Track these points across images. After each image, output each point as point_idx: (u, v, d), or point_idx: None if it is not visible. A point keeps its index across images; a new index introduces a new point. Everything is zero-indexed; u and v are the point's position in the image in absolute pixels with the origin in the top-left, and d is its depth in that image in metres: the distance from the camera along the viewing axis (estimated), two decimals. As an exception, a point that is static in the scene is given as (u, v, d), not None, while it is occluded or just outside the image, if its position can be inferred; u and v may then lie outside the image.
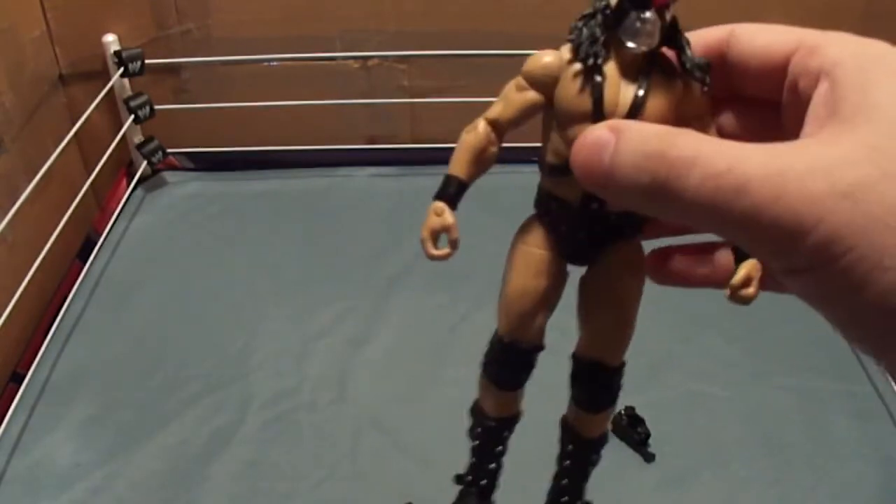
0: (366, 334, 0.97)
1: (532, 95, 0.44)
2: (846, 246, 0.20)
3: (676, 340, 0.95)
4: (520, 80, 0.44)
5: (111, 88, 1.14)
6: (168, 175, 1.27)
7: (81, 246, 1.13)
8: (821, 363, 0.93)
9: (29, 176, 0.96)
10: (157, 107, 1.20)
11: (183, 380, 0.91)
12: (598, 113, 0.40)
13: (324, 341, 0.96)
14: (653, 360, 0.91)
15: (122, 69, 1.14)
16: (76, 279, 1.04)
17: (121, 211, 1.18)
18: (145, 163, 1.22)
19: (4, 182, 0.96)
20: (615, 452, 0.82)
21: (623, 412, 0.83)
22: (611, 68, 0.41)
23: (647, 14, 0.41)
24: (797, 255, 0.21)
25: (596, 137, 0.26)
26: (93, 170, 1.10)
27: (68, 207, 1.02)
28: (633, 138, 0.25)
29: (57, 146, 1.01)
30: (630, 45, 0.41)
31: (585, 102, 0.41)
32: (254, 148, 1.26)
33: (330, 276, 1.06)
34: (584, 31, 0.42)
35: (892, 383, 0.90)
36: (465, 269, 1.09)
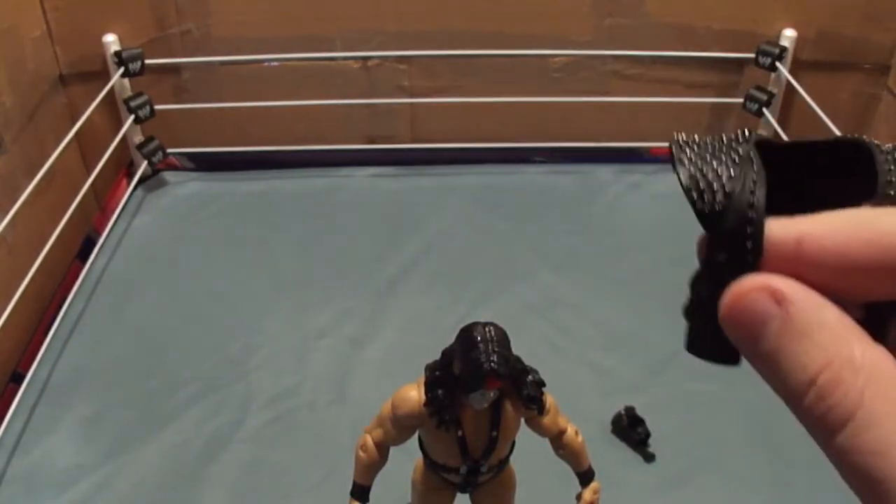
0: (366, 334, 0.97)
1: (406, 428, 0.58)
2: None
3: (676, 341, 0.94)
4: (392, 414, 0.58)
5: (111, 88, 1.14)
6: (168, 175, 1.27)
7: (81, 246, 1.13)
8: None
9: (29, 176, 0.96)
10: (157, 107, 1.20)
11: (183, 380, 0.90)
12: (465, 453, 0.56)
13: (324, 341, 0.96)
14: (653, 361, 0.91)
15: (122, 69, 1.14)
16: (76, 279, 1.04)
17: (121, 211, 1.18)
18: (145, 163, 1.22)
19: (4, 182, 0.96)
20: (615, 452, 0.82)
21: (623, 412, 0.83)
22: (466, 417, 0.55)
23: (489, 393, 0.53)
24: None
25: (757, 305, 0.18)
26: (93, 170, 1.10)
27: (68, 207, 1.02)
28: (798, 343, 0.17)
29: (57, 146, 1.01)
30: (477, 407, 0.54)
31: (453, 447, 0.56)
32: (254, 148, 1.26)
33: (330, 276, 1.06)
34: (437, 396, 0.54)
35: None
36: (465, 269, 1.10)
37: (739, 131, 0.20)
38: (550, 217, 1.17)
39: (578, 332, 0.96)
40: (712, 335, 0.19)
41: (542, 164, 1.28)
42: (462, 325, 0.53)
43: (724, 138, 0.20)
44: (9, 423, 0.85)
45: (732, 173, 0.19)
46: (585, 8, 1.19)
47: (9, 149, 0.98)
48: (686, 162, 0.19)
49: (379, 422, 0.58)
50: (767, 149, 0.19)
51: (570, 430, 0.60)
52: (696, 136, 0.20)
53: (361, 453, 0.59)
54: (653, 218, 1.17)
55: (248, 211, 1.20)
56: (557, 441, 0.60)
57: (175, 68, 1.23)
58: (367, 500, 0.61)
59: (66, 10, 1.11)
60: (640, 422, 0.82)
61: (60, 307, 0.99)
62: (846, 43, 1.19)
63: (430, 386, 0.54)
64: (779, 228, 0.18)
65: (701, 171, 0.19)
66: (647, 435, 0.82)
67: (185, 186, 1.25)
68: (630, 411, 0.83)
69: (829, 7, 1.17)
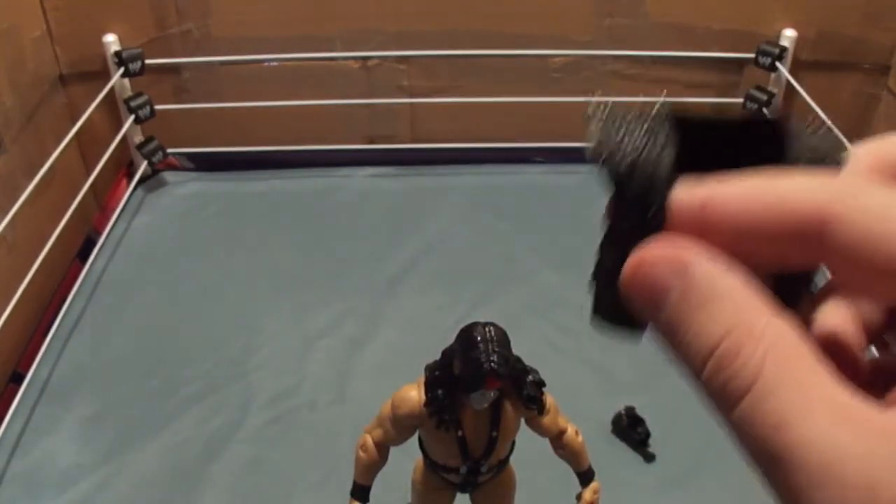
0: (366, 334, 0.97)
1: (406, 428, 0.57)
2: None
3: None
4: (392, 414, 0.57)
5: (111, 88, 1.14)
6: (168, 175, 1.27)
7: (81, 246, 1.13)
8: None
9: (29, 176, 0.96)
10: (157, 107, 1.20)
11: (183, 380, 0.90)
12: (465, 453, 0.56)
13: (324, 341, 0.96)
14: (653, 361, 0.91)
15: (122, 69, 1.14)
16: (76, 279, 1.04)
17: (121, 211, 1.18)
18: (145, 163, 1.22)
19: (4, 182, 0.96)
20: (615, 452, 0.82)
21: (623, 412, 0.83)
22: (466, 417, 0.55)
23: (489, 393, 0.53)
24: None
25: (658, 277, 0.17)
26: (93, 170, 1.10)
27: (68, 207, 1.02)
28: (698, 312, 0.17)
29: (57, 146, 1.01)
30: (477, 407, 0.54)
31: (453, 447, 0.56)
32: (254, 148, 1.26)
33: (330, 276, 1.06)
34: (437, 396, 0.54)
35: None
36: (465, 269, 1.10)
37: (660, 104, 0.19)
38: (550, 217, 1.17)
39: (578, 332, 0.96)
40: (616, 304, 0.19)
41: (542, 164, 1.28)
42: (462, 325, 0.53)
43: (644, 109, 0.19)
44: (9, 423, 0.85)
45: (642, 140, 0.18)
46: (585, 8, 1.19)
47: (9, 149, 0.98)
48: (595, 126, 0.19)
49: (379, 422, 0.58)
50: (684, 121, 0.19)
51: (570, 430, 0.60)
52: (610, 103, 0.20)
53: (361, 453, 0.59)
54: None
55: (248, 211, 1.20)
56: (557, 441, 0.60)
57: (175, 68, 1.23)
58: (368, 500, 0.61)
59: (66, 10, 1.11)
60: (640, 422, 0.82)
61: (60, 307, 0.99)
62: (846, 43, 1.19)
63: (430, 386, 0.54)
64: (684, 192, 0.18)
65: (609, 135, 0.19)
66: (647, 435, 0.82)
67: (185, 186, 1.25)
68: (630, 411, 0.83)
69: (829, 7, 1.17)
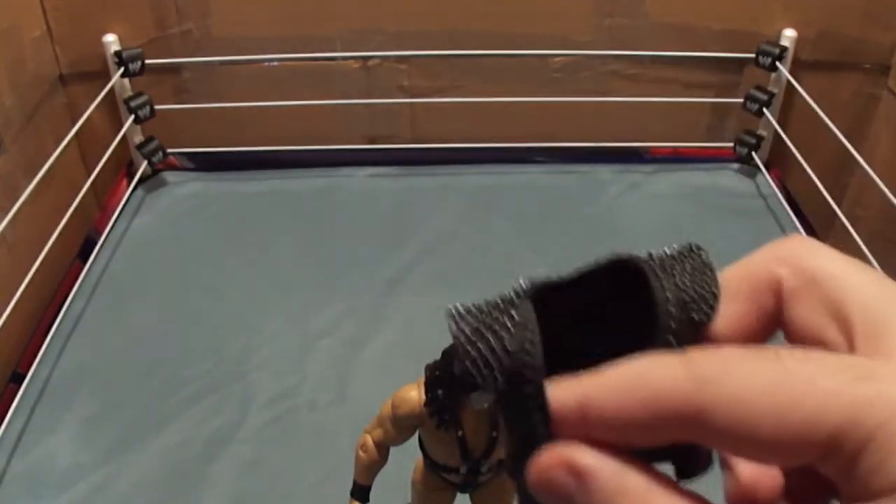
0: (366, 334, 0.97)
1: (406, 428, 0.57)
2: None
3: None
4: (392, 414, 0.57)
5: (111, 88, 1.14)
6: (168, 175, 1.27)
7: (81, 246, 1.13)
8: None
9: (29, 176, 0.96)
10: (157, 107, 1.20)
11: (183, 380, 0.90)
12: (465, 453, 0.56)
13: (324, 341, 0.96)
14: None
15: (122, 69, 1.14)
16: (76, 279, 1.04)
17: (121, 211, 1.18)
18: (145, 163, 1.22)
19: (4, 182, 0.96)
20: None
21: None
22: (466, 417, 0.55)
23: (489, 393, 0.49)
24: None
25: (555, 483, 0.19)
26: (93, 170, 1.10)
27: (68, 207, 1.02)
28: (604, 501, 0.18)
29: (57, 146, 1.01)
30: (477, 407, 0.54)
31: (453, 447, 0.56)
32: (254, 148, 1.26)
33: (330, 276, 1.06)
34: (437, 396, 0.54)
35: None
36: (465, 269, 1.10)
37: (517, 284, 0.20)
38: (550, 217, 1.17)
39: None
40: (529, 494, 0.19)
41: (542, 164, 1.28)
42: (462, 325, 0.53)
43: (501, 299, 0.20)
44: (9, 423, 0.85)
45: (508, 343, 0.19)
46: (585, 8, 1.19)
47: (9, 149, 0.98)
48: (462, 338, 0.19)
49: (379, 422, 0.58)
50: (544, 290, 0.19)
51: None
52: (472, 306, 0.20)
53: (361, 453, 0.59)
54: (653, 218, 1.17)
55: (248, 211, 1.20)
56: None
57: (175, 68, 1.23)
58: (368, 500, 0.61)
59: (66, 10, 1.11)
60: (640, 422, 0.82)
61: (60, 307, 0.99)
62: (846, 43, 1.19)
63: (430, 386, 0.54)
64: (561, 394, 0.18)
65: (477, 346, 0.19)
66: (647, 435, 0.82)
67: (185, 186, 1.25)
68: (630, 411, 0.83)
69: (829, 7, 1.17)
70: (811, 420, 0.16)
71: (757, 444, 0.17)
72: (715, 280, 0.20)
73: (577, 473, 0.18)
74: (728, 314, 0.21)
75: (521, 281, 0.19)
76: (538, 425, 0.18)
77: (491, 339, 0.19)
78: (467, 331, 0.19)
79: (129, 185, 1.21)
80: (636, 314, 0.20)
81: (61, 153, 1.01)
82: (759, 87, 1.21)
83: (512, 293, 0.19)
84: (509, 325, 0.19)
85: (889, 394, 0.16)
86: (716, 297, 0.20)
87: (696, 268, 0.20)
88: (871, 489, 0.16)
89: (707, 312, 0.20)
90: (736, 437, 0.17)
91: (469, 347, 0.19)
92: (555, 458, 0.18)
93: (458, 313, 0.19)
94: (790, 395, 0.17)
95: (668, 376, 0.18)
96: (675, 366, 0.18)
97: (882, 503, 0.16)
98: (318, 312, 1.00)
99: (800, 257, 0.20)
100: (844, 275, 0.19)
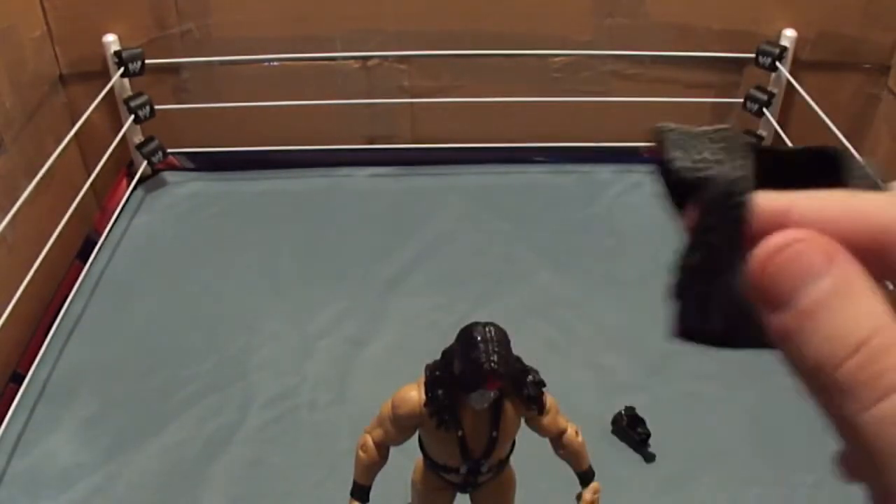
0: (366, 334, 0.97)
1: (406, 428, 0.57)
2: None
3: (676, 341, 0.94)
4: (392, 414, 0.58)
5: (111, 88, 1.14)
6: (168, 175, 1.27)
7: (81, 246, 1.13)
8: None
9: (29, 176, 0.96)
10: (157, 107, 1.19)
11: (183, 380, 0.90)
12: (465, 453, 0.56)
13: (324, 341, 0.96)
14: (653, 361, 0.91)
15: (122, 69, 1.14)
16: (76, 279, 1.04)
17: (121, 211, 1.18)
18: (145, 163, 1.22)
19: (4, 182, 0.96)
20: (615, 452, 0.82)
21: (623, 412, 0.83)
22: (466, 417, 0.55)
23: (489, 393, 0.53)
24: None
25: (808, 259, 0.17)
26: (93, 170, 1.10)
27: (68, 207, 1.02)
28: (850, 305, 0.17)
29: (57, 146, 1.01)
30: (477, 407, 0.54)
31: (453, 447, 0.56)
32: (254, 148, 1.26)
33: (330, 276, 1.06)
34: (437, 396, 0.54)
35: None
36: (465, 269, 1.09)
37: (718, 126, 0.20)
38: (550, 217, 1.17)
39: (578, 332, 0.96)
40: (706, 310, 0.19)
41: (542, 164, 1.28)
42: (462, 325, 0.53)
43: (711, 128, 0.20)
44: (9, 423, 0.85)
45: (720, 147, 0.19)
46: (585, 8, 1.19)
47: (9, 149, 0.98)
48: (673, 138, 0.20)
49: (379, 422, 0.58)
50: (750, 146, 0.20)
51: (570, 430, 0.60)
52: (679, 124, 0.21)
53: (361, 453, 0.59)
54: (653, 218, 1.17)
55: (248, 211, 1.20)
56: (557, 441, 0.60)
57: (175, 68, 1.23)
58: (367, 500, 0.61)
59: (66, 10, 1.11)
60: (640, 422, 0.82)
61: (60, 307, 0.99)
62: (846, 43, 1.19)
63: (430, 386, 0.54)
64: (772, 197, 0.18)
65: (690, 144, 0.20)
66: (647, 435, 0.82)
67: (185, 186, 1.25)
68: (630, 411, 0.83)
69: (829, 7, 1.17)
70: None
71: None
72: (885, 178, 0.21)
73: (831, 256, 0.17)
74: None
75: (722, 125, 0.20)
76: (737, 220, 0.18)
77: (701, 142, 0.20)
78: (678, 135, 0.20)
79: (129, 185, 1.21)
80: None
81: (61, 153, 1.01)
82: (759, 87, 1.21)
83: (714, 127, 0.20)
84: (719, 137, 0.20)
85: None
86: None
87: (870, 165, 0.22)
88: None
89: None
90: None
91: (681, 143, 0.20)
92: (808, 235, 0.17)
93: (667, 126, 0.21)
94: None
95: (876, 201, 0.18)
96: (882, 196, 0.18)
97: None
98: (318, 312, 1.00)
99: None
100: None
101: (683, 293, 0.19)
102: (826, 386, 0.16)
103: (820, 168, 0.20)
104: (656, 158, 0.21)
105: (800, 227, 0.18)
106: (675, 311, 0.20)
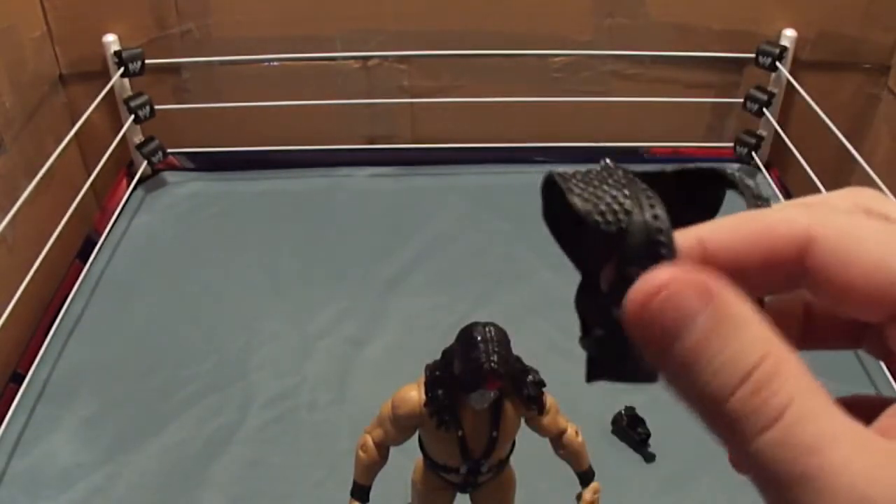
0: (366, 334, 0.97)
1: (406, 428, 0.57)
2: None
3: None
4: (392, 414, 0.58)
5: (111, 88, 1.14)
6: (168, 175, 1.27)
7: (81, 246, 1.13)
8: (821, 363, 0.92)
9: (29, 176, 0.96)
10: (157, 107, 1.20)
11: (183, 380, 0.90)
12: (465, 453, 0.56)
13: (324, 341, 0.96)
14: (653, 360, 0.91)
15: (122, 69, 1.14)
16: (76, 279, 1.04)
17: (121, 211, 1.18)
18: (145, 163, 1.22)
19: (4, 182, 0.96)
20: (615, 452, 0.82)
21: (623, 412, 0.83)
22: (466, 417, 0.55)
23: (489, 393, 0.53)
24: None
25: (684, 298, 0.17)
26: (93, 170, 1.10)
27: (68, 207, 1.02)
28: (732, 337, 0.16)
29: (57, 146, 1.01)
30: (477, 407, 0.54)
31: (453, 447, 0.56)
32: (254, 148, 1.26)
33: (330, 276, 1.06)
34: (437, 396, 0.54)
35: (894, 384, 0.90)
36: (465, 269, 1.09)
37: (604, 162, 0.20)
38: (550, 217, 1.16)
39: (578, 332, 0.96)
40: (622, 354, 0.19)
41: (542, 164, 1.28)
42: (462, 325, 0.53)
43: (597, 169, 0.20)
44: (9, 423, 0.85)
45: (626, 192, 0.19)
46: (585, 8, 1.19)
47: (9, 149, 0.98)
48: (577, 190, 0.19)
49: (379, 422, 0.58)
50: (640, 176, 0.20)
51: (570, 430, 0.60)
52: (569, 171, 0.20)
53: (361, 453, 0.59)
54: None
55: (248, 211, 1.20)
56: (557, 441, 0.60)
57: (175, 68, 1.23)
58: (367, 500, 0.61)
59: (66, 10, 1.11)
60: (640, 422, 0.82)
61: (60, 307, 0.99)
62: (846, 43, 1.19)
63: (430, 386, 0.54)
64: (678, 235, 0.18)
65: (595, 195, 0.19)
66: (647, 435, 0.82)
67: (185, 186, 1.25)
68: (630, 411, 0.83)
69: (829, 7, 1.17)
70: None
71: (851, 287, 0.17)
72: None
73: (706, 291, 0.16)
74: None
75: (606, 160, 0.20)
76: (661, 263, 0.18)
77: (605, 188, 0.19)
78: (580, 185, 0.20)
79: (129, 185, 1.21)
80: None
81: (61, 153, 1.01)
82: (759, 87, 1.21)
83: (602, 166, 0.20)
84: (619, 181, 0.19)
85: None
86: None
87: (756, 184, 0.21)
88: None
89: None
90: (837, 272, 0.17)
91: (587, 196, 0.19)
92: (681, 273, 0.17)
93: (563, 175, 0.20)
94: (891, 243, 0.17)
95: (783, 215, 0.18)
96: (787, 209, 0.18)
97: None
98: (318, 312, 1.00)
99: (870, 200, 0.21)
100: None
101: (604, 341, 0.20)
102: (718, 420, 0.17)
103: (708, 188, 0.21)
104: (546, 207, 0.21)
105: (716, 256, 0.18)
106: (592, 355, 0.20)
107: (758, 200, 0.20)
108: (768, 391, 0.16)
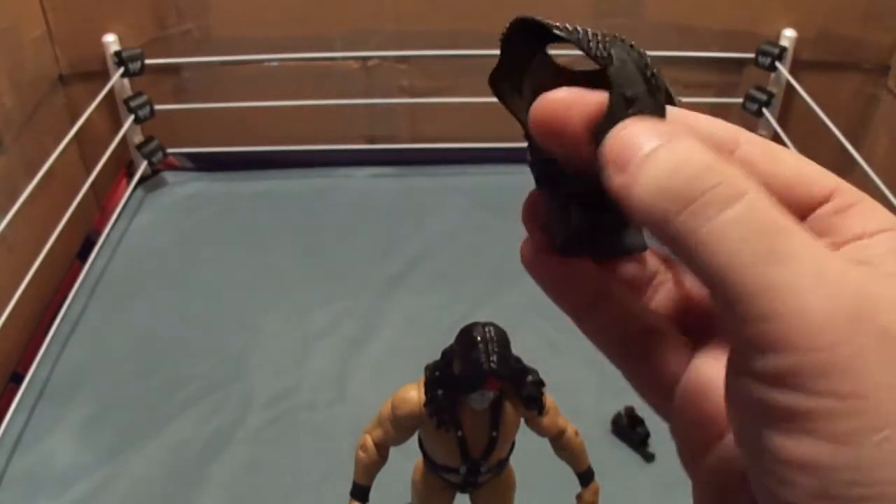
0: (366, 334, 0.97)
1: (406, 429, 0.57)
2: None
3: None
4: (392, 414, 0.57)
5: (111, 88, 1.14)
6: (168, 175, 1.27)
7: (81, 246, 1.13)
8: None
9: (29, 176, 0.96)
10: (157, 107, 1.20)
11: (183, 380, 0.90)
12: (465, 454, 0.56)
13: (324, 341, 0.96)
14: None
15: (122, 69, 1.14)
16: (76, 279, 1.04)
17: (121, 211, 1.18)
18: (145, 163, 1.22)
19: (4, 182, 0.96)
20: (615, 452, 0.82)
21: (623, 412, 0.83)
22: (466, 417, 0.55)
23: (489, 393, 0.53)
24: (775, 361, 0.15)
25: (630, 140, 0.18)
26: (93, 170, 1.10)
27: (68, 207, 1.02)
28: (664, 159, 0.18)
29: (57, 146, 1.01)
30: (476, 407, 0.54)
31: (453, 447, 0.56)
32: (254, 148, 1.26)
33: (330, 276, 1.06)
34: (437, 396, 0.54)
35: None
36: (465, 269, 1.10)
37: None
38: (550, 217, 1.16)
39: (578, 332, 0.96)
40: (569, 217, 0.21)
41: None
42: (462, 325, 0.53)
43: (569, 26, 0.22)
44: (9, 423, 0.85)
45: (603, 32, 0.21)
46: (585, 8, 1.19)
47: (9, 149, 0.98)
48: (559, 26, 0.22)
49: (379, 422, 0.58)
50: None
51: (570, 431, 0.60)
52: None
53: (361, 453, 0.59)
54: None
55: (248, 211, 1.20)
56: (557, 441, 0.60)
57: (175, 68, 1.23)
58: (367, 500, 0.61)
59: (66, 10, 1.11)
60: (640, 422, 0.82)
61: (60, 307, 0.99)
62: (846, 43, 1.19)
63: (429, 386, 0.54)
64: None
65: (576, 33, 0.21)
66: (647, 435, 0.82)
67: (185, 186, 1.25)
68: (630, 411, 0.83)
69: (829, 7, 1.17)
70: (818, 173, 0.19)
71: (774, 182, 0.19)
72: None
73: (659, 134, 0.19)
74: None
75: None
76: (658, 88, 0.21)
77: (589, 30, 0.21)
78: (558, 27, 0.22)
79: (128, 185, 1.21)
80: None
81: (61, 153, 1.01)
82: (758, 87, 1.21)
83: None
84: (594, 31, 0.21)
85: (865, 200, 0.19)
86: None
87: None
88: (851, 235, 0.18)
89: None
90: (759, 167, 0.19)
91: (571, 31, 0.21)
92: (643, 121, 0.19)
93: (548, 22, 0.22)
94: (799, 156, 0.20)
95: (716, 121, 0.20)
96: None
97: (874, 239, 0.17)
98: (318, 312, 1.00)
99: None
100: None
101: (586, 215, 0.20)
102: (670, 220, 0.17)
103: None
104: (502, 65, 0.24)
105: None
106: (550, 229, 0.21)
107: (597, 51, 0.20)
108: (727, 174, 0.17)
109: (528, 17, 0.21)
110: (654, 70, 0.19)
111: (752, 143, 0.20)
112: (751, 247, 0.16)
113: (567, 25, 0.20)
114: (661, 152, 0.17)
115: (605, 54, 0.19)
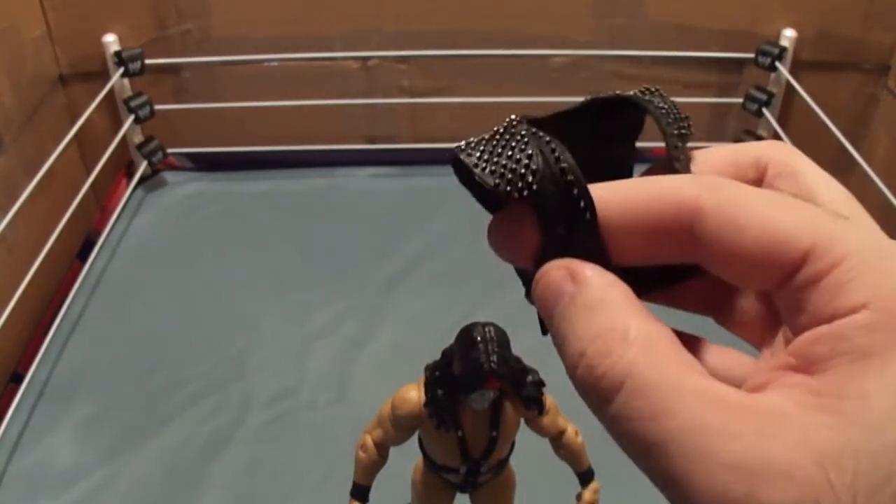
0: (365, 334, 0.97)
1: (406, 429, 0.57)
2: None
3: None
4: (392, 414, 0.57)
5: (111, 88, 1.14)
6: (168, 175, 1.27)
7: (81, 246, 1.13)
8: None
9: (29, 176, 0.96)
10: (157, 107, 1.20)
11: (183, 380, 0.90)
12: (465, 454, 0.56)
13: (324, 341, 0.96)
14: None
15: (122, 69, 1.14)
16: (76, 279, 1.04)
17: (121, 211, 1.18)
18: (145, 163, 1.22)
19: (4, 182, 0.96)
20: (615, 452, 0.82)
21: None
22: (466, 417, 0.55)
23: (489, 393, 0.53)
24: None
25: (556, 284, 0.20)
26: (93, 170, 1.10)
27: (68, 207, 1.02)
28: (581, 318, 0.19)
29: (57, 146, 1.01)
30: (476, 407, 0.53)
31: (452, 447, 0.56)
32: (254, 148, 1.26)
33: (330, 276, 1.06)
34: (437, 396, 0.54)
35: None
36: (465, 269, 1.09)
37: (508, 120, 0.20)
38: (550, 217, 1.16)
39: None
40: None
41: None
42: (462, 325, 0.53)
43: (499, 129, 0.20)
44: (9, 423, 0.85)
45: (530, 152, 0.19)
46: (585, 8, 1.19)
47: (9, 149, 0.98)
48: (482, 164, 0.20)
49: (379, 422, 0.58)
50: (538, 125, 0.20)
51: (570, 431, 0.60)
52: (473, 138, 0.21)
53: (361, 453, 0.59)
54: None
55: (248, 211, 1.20)
56: (557, 441, 0.60)
57: (175, 68, 1.23)
58: (367, 500, 0.61)
59: (66, 10, 1.11)
60: (640, 422, 0.82)
61: (60, 307, 0.99)
62: (846, 43, 1.19)
63: (429, 386, 0.54)
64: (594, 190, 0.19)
65: (500, 164, 0.19)
66: (647, 435, 0.82)
67: (185, 186, 1.25)
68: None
69: (829, 7, 1.17)
70: (791, 233, 0.17)
71: (739, 254, 0.18)
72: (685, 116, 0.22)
73: (574, 277, 0.19)
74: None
75: (510, 118, 0.20)
76: (583, 214, 0.19)
77: (509, 152, 0.19)
78: (482, 155, 0.20)
79: (128, 185, 1.21)
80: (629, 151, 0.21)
81: (61, 153, 1.01)
82: (758, 87, 1.21)
83: (504, 125, 0.20)
84: (521, 139, 0.19)
85: (863, 232, 0.18)
86: (688, 117, 0.22)
87: (664, 96, 0.22)
88: (826, 312, 0.17)
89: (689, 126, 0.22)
90: (722, 241, 0.18)
91: (492, 167, 0.19)
92: (560, 265, 0.20)
93: (464, 146, 0.21)
94: (777, 207, 0.18)
95: (674, 180, 0.19)
96: (679, 177, 0.20)
97: (846, 322, 0.17)
98: (318, 312, 1.00)
99: (786, 153, 0.22)
100: (821, 177, 0.21)
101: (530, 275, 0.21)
102: (581, 394, 0.19)
103: (619, 115, 0.21)
104: (459, 178, 0.21)
105: (610, 221, 0.19)
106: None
107: (675, 125, 0.20)
108: (601, 368, 0.17)
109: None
110: (575, 185, 0.19)
111: (718, 214, 0.18)
112: (637, 439, 0.17)
113: (486, 167, 0.20)
114: (570, 317, 0.19)
115: (526, 195, 0.19)
